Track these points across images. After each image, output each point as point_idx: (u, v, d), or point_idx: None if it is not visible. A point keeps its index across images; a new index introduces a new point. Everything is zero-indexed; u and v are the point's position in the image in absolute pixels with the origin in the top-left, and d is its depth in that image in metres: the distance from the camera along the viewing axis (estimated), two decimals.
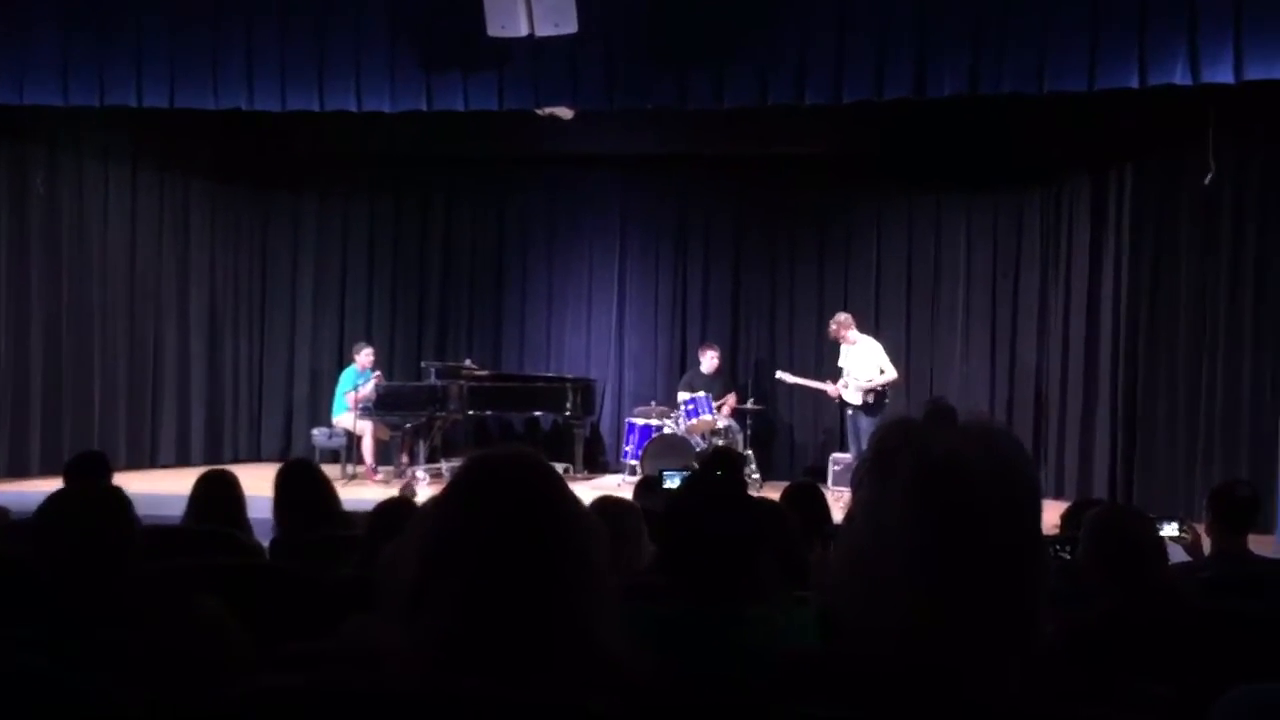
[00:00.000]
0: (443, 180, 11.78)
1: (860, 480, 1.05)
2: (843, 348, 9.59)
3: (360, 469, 9.95)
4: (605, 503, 2.99)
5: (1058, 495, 9.37)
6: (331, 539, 3.58)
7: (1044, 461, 9.94)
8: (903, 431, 1.05)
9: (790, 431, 11.21)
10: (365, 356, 10.33)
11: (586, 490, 4.98)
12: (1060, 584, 2.88)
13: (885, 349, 9.61)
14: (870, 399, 9.35)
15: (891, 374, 9.44)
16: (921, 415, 1.15)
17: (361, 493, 8.22)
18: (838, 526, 3.94)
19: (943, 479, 1.00)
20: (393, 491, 5.50)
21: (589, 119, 9.74)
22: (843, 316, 9.56)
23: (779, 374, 10.03)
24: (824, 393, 9.72)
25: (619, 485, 9.35)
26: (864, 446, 5.81)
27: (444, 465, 10.20)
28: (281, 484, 3.89)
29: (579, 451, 10.51)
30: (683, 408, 9.80)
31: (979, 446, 1.02)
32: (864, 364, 9.46)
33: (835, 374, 9.69)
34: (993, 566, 0.99)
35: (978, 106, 8.95)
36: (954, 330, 10.74)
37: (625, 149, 11.02)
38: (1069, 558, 3.51)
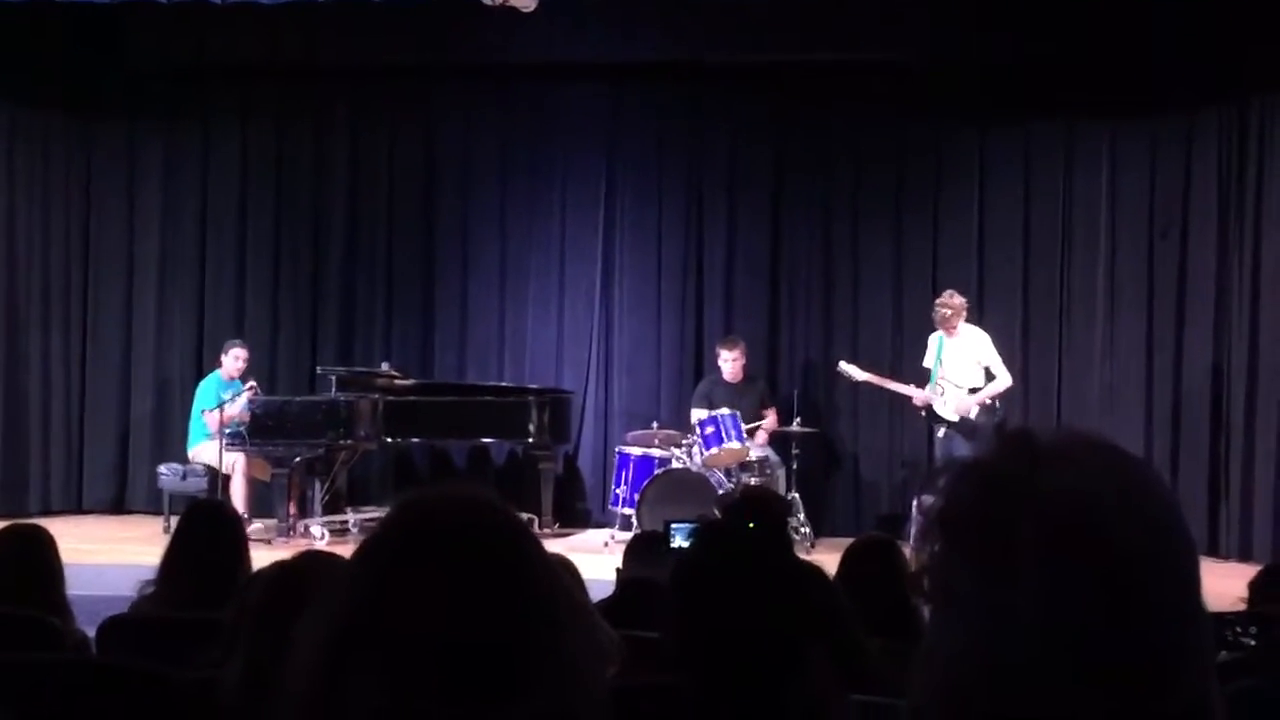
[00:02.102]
0: (346, 101, 11.81)
1: (925, 543, 1.07)
2: (935, 340, 9.65)
3: None
4: None
5: (1244, 556, 9.40)
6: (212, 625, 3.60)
7: (1224, 503, 9.97)
8: (983, 474, 1.06)
9: (855, 465, 11.24)
10: (235, 359, 10.35)
11: (555, 551, 5.01)
12: (1244, 685, 2.90)
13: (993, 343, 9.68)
14: (974, 414, 9.42)
15: (1004, 377, 9.51)
16: (991, 446, 1.16)
17: None
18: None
19: (1086, 536, 1.03)
20: (276, 554, 5.54)
21: (561, 10, 9.74)
22: (959, 300, 9.65)
23: (842, 365, 10.09)
24: (909, 400, 9.80)
25: (605, 544, 9.37)
26: None
27: (351, 517, 10.21)
28: (183, 534, 3.94)
29: (547, 495, 10.54)
30: (698, 431, 9.83)
31: (1107, 480, 1.05)
32: (964, 363, 9.53)
33: (921, 378, 9.76)
34: (1156, 655, 1.02)
35: None
36: (1090, 315, 10.78)
37: (613, 55, 11.04)
38: (1254, 643, 3.52)
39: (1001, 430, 1.13)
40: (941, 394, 9.55)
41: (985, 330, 9.78)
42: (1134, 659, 1.00)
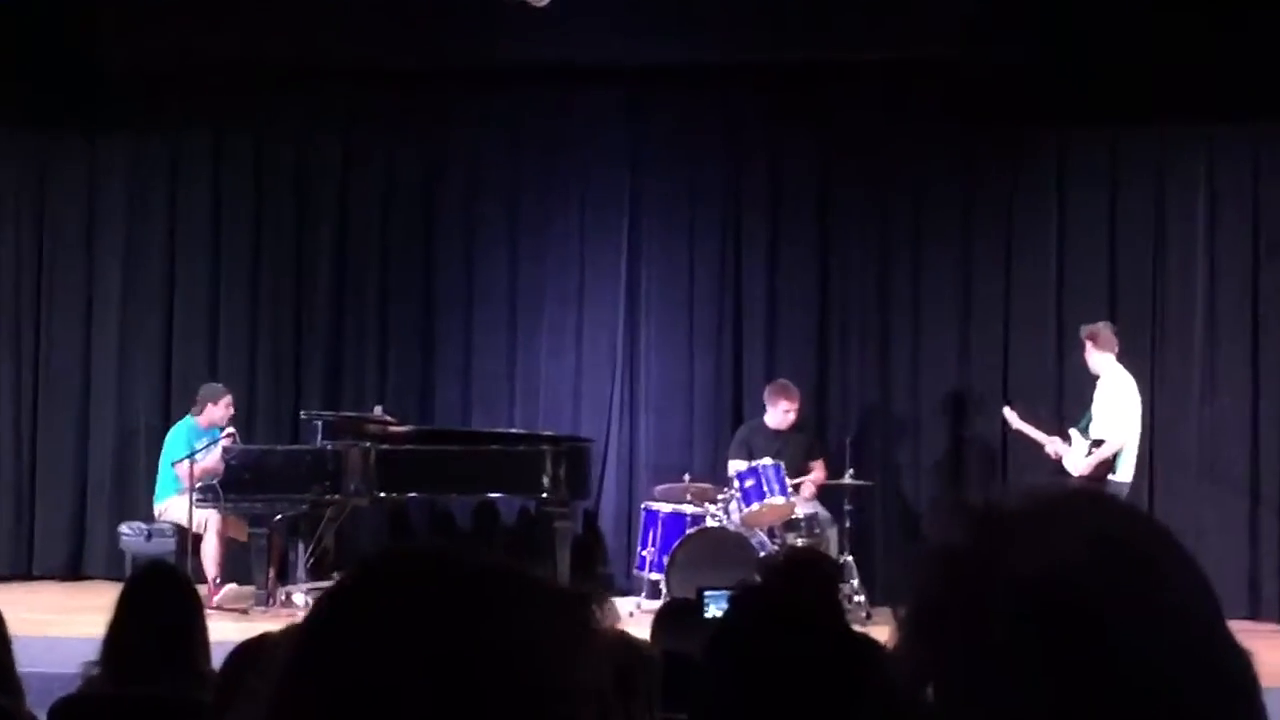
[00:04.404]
0: (335, 109, 11.88)
1: (900, 639, 1.06)
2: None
3: (200, 589, 9.96)
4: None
5: None
6: (177, 703, 3.59)
7: None
8: (945, 560, 1.05)
9: (916, 523, 11.18)
10: (218, 405, 10.35)
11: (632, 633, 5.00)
12: None
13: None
14: (1093, 469, 9.42)
15: (1111, 438, 9.43)
16: (951, 525, 1.14)
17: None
18: None
19: (1067, 622, 1.01)
20: (254, 626, 5.53)
21: (578, 6, 9.78)
22: (1092, 327, 9.73)
23: (1007, 410, 10.10)
24: (1048, 451, 9.85)
25: (631, 614, 9.33)
26: None
27: None
28: (128, 602, 3.94)
29: (564, 558, 10.51)
30: (736, 485, 9.81)
31: (1086, 550, 1.02)
32: (1097, 410, 9.54)
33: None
34: None
35: None
36: (1187, 349, 10.73)
37: (637, 56, 11.08)
38: None
39: (959, 504, 1.09)
40: (1069, 444, 9.60)
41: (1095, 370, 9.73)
42: None
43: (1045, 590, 0.99)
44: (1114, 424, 9.49)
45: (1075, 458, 9.55)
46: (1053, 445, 9.72)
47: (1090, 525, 1.03)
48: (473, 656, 1.07)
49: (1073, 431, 9.66)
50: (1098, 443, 9.49)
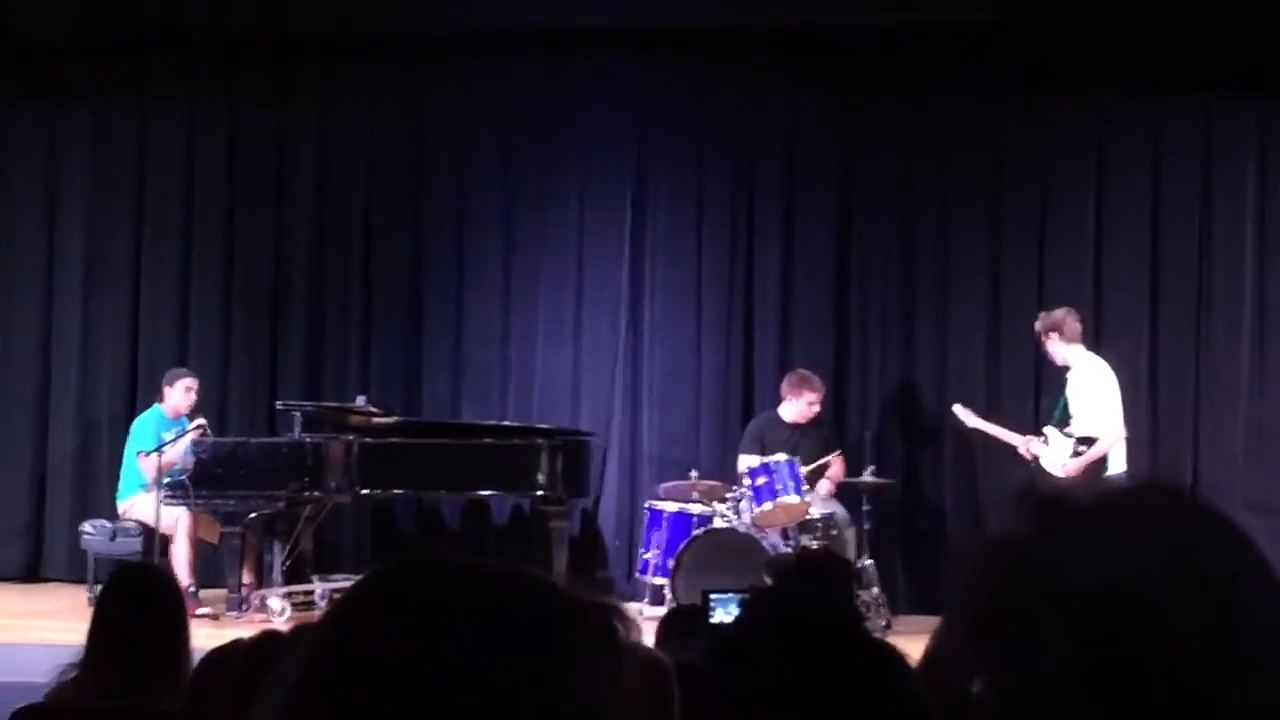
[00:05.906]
0: (314, 78, 11.87)
1: (946, 635, 1.06)
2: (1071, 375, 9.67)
3: None
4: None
5: None
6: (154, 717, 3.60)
7: None
8: (1003, 554, 1.04)
9: (941, 520, 11.19)
10: (185, 391, 10.36)
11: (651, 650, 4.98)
12: None
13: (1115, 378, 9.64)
14: (1084, 469, 9.40)
15: (1104, 434, 9.42)
16: (1018, 517, 1.13)
17: None
18: None
19: (1122, 630, 0.99)
20: (227, 632, 5.53)
21: None
22: (1056, 314, 9.70)
23: (957, 407, 10.18)
24: (1021, 452, 9.86)
25: None
26: None
27: (319, 587, 10.20)
28: (106, 606, 3.96)
29: (560, 560, 10.52)
30: (747, 482, 9.81)
31: (1154, 554, 1.01)
32: (1076, 405, 9.52)
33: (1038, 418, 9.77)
34: None
35: None
36: (1235, 339, 10.73)
37: (641, 19, 11.07)
38: None
39: (1030, 495, 1.09)
40: (1045, 442, 9.57)
41: (1107, 360, 9.74)
42: None
43: (1109, 593, 1.00)
44: (1102, 420, 9.46)
45: (1056, 456, 9.52)
46: (1026, 445, 9.71)
47: (1164, 527, 1.03)
48: (494, 677, 1.06)
49: (1048, 429, 9.64)
50: (1084, 440, 9.44)
